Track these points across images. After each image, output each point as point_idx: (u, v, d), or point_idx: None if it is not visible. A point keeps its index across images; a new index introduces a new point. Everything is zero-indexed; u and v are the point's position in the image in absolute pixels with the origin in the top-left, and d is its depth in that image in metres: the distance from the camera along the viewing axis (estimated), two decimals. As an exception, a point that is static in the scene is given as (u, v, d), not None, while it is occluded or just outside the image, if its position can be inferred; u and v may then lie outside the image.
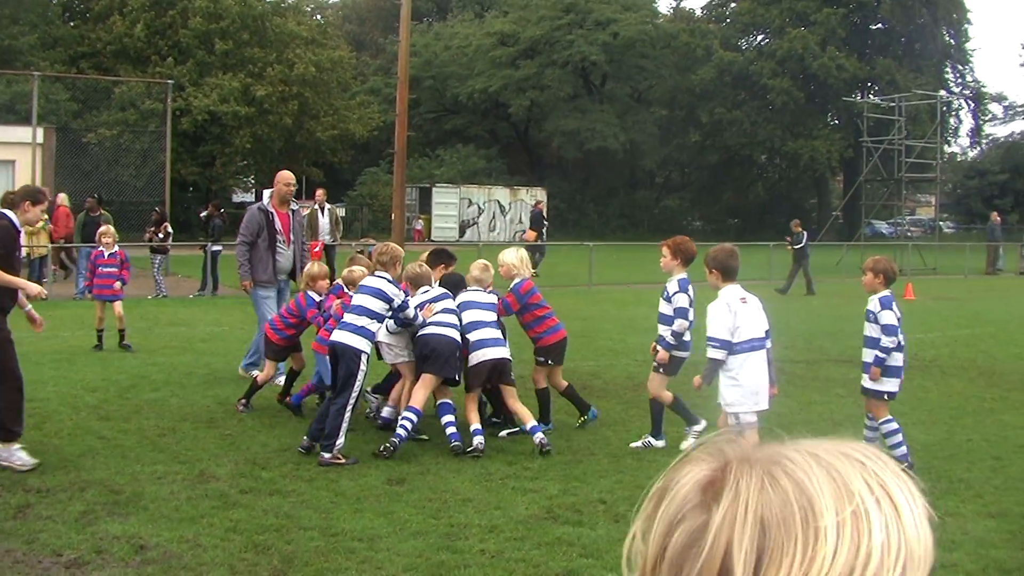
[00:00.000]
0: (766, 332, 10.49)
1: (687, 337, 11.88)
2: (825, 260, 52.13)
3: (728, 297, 10.32)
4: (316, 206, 31.63)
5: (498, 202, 71.72)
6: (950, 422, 13.78)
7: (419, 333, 11.80)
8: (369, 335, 11.40)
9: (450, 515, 9.09)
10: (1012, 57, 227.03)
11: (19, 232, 10.85)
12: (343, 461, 10.74)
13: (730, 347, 10.07)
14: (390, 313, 11.57)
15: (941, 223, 78.15)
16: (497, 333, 11.97)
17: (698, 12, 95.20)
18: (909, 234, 77.54)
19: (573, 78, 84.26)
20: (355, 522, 8.80)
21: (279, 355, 13.90)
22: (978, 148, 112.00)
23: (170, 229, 31.17)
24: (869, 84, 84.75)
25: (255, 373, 14.93)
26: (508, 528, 8.76)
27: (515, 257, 12.80)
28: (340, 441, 10.82)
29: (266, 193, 15.48)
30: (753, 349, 10.18)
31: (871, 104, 64.54)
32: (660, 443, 11.93)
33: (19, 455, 10.22)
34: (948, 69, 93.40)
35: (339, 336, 11.30)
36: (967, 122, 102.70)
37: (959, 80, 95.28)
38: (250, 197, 75.55)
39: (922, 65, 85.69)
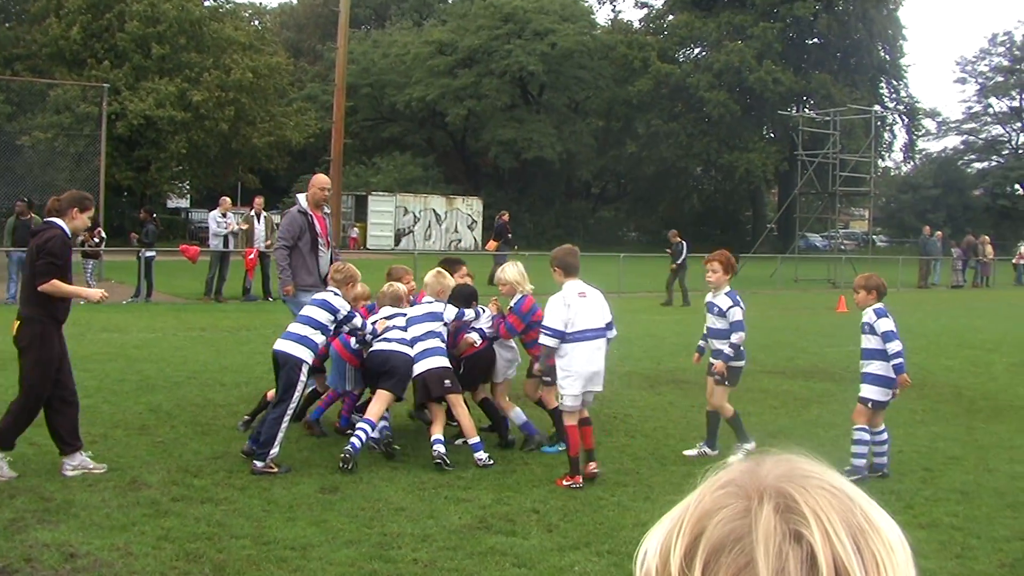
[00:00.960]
0: (607, 324, 11.10)
1: (742, 347, 12.38)
2: (759, 272, 52.50)
3: (567, 292, 10.96)
4: (252, 213, 31.53)
5: (434, 211, 71.66)
6: (881, 434, 13.86)
7: (375, 348, 11.81)
8: (311, 345, 11.36)
9: (383, 524, 9.04)
10: (946, 73, 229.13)
11: (70, 240, 10.65)
12: (275, 470, 10.67)
13: (563, 336, 10.70)
14: (334, 325, 11.62)
15: (874, 237, 78.76)
16: (430, 343, 11.64)
17: (636, 24, 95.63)
18: (842, 247, 78.14)
19: (511, 88, 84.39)
20: (287, 531, 8.74)
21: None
22: (911, 163, 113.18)
23: (104, 234, 30.91)
24: (804, 98, 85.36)
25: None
26: (441, 537, 8.72)
27: (516, 273, 12.42)
28: (274, 451, 10.76)
29: (300, 197, 15.17)
30: (585, 339, 10.79)
31: (807, 118, 65.04)
32: (714, 452, 12.22)
33: (85, 461, 10.34)
34: (883, 84, 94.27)
35: (282, 345, 11.35)
36: (901, 137, 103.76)
37: (893, 95, 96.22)
38: (184, 203, 75.14)
39: (857, 80, 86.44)
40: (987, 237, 57.50)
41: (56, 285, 10.08)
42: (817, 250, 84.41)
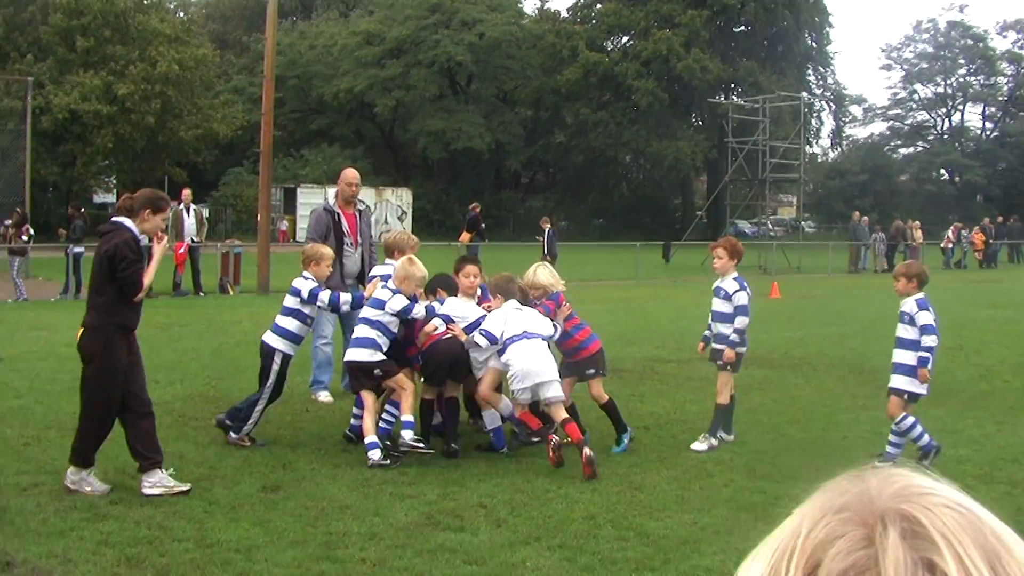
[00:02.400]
0: (553, 327, 11.50)
1: (746, 333, 12.41)
2: (690, 260, 52.67)
3: (507, 307, 11.37)
4: (181, 206, 31.16)
5: (363, 202, 71.21)
6: (824, 420, 13.83)
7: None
8: (282, 332, 11.59)
9: (328, 523, 8.84)
10: (871, 60, 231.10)
11: (140, 243, 9.96)
12: (246, 444, 11.37)
13: (496, 341, 11.07)
14: (301, 305, 11.65)
15: (803, 223, 79.22)
16: (365, 332, 11.28)
17: (564, 13, 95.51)
18: (772, 234, 78.55)
19: (439, 78, 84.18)
20: (230, 532, 8.52)
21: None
22: (838, 149, 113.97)
23: (32, 231, 30.44)
24: (733, 86, 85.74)
25: (322, 395, 14.55)
26: (388, 535, 8.55)
27: (548, 275, 12.12)
28: (248, 427, 11.43)
29: (330, 193, 14.85)
30: (519, 339, 11.01)
31: (735, 105, 65.25)
32: (730, 437, 12.40)
33: (165, 479, 9.73)
34: (810, 72, 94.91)
35: (265, 335, 11.78)
36: (828, 124, 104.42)
37: (820, 82, 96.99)
38: (111, 198, 74.31)
39: (785, 67, 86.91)
40: (917, 222, 57.98)
41: (146, 286, 9.85)
42: (746, 237, 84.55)
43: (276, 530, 8.61)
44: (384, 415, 11.38)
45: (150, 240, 10.51)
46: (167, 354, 18.60)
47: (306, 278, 11.71)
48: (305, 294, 11.54)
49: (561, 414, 10.98)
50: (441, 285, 12.20)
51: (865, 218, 57.65)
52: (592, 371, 11.95)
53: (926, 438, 11.31)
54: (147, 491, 9.50)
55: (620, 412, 12.04)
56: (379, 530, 8.68)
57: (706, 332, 12.81)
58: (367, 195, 68.92)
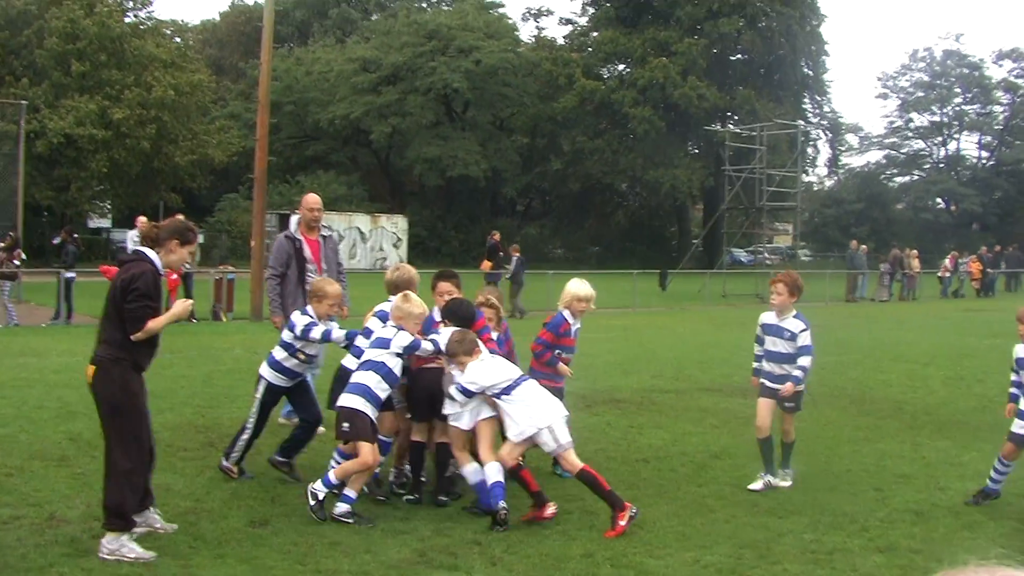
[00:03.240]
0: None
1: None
2: (687, 288, 52.55)
3: (485, 357, 10.51)
4: (174, 232, 30.88)
5: (359, 229, 71.11)
6: (827, 452, 13.57)
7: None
8: (272, 362, 11.40)
9: (318, 561, 8.55)
10: (868, 89, 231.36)
11: (162, 277, 9.27)
12: (233, 473, 11.23)
13: (472, 396, 10.22)
14: (293, 340, 11.32)
15: (799, 251, 79.09)
16: (361, 378, 10.24)
17: (560, 41, 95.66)
18: (768, 262, 78.33)
19: (435, 105, 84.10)
20: (216, 569, 8.24)
21: None
22: (835, 177, 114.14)
23: (24, 256, 30.16)
24: (729, 113, 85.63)
25: (295, 420, 14.18)
26: (380, 573, 8.26)
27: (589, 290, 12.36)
28: (235, 455, 11.29)
29: (292, 220, 14.45)
30: (523, 381, 10.46)
31: (732, 133, 65.11)
32: (788, 480, 11.84)
33: (152, 517, 9.17)
34: (806, 100, 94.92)
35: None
36: (824, 152, 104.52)
37: (817, 111, 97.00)
38: (106, 223, 74.12)
39: (781, 96, 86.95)
40: (915, 251, 57.86)
41: (149, 330, 8.85)
42: (742, 265, 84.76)
43: (263, 568, 8.33)
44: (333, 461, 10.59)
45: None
46: (157, 381, 18.22)
47: (303, 312, 11.40)
48: (298, 331, 11.20)
49: (576, 462, 10.11)
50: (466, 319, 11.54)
51: (864, 247, 57.55)
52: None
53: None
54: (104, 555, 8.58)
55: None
56: (370, 568, 8.39)
57: (756, 365, 12.20)
58: (362, 221, 69.07)
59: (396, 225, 73.58)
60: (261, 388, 11.37)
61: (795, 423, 12.09)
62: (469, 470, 10.24)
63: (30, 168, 49.60)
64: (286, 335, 11.42)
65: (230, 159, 69.06)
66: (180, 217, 9.97)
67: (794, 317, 11.67)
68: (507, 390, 10.13)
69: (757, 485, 11.52)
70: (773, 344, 11.77)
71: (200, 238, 33.57)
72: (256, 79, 65.47)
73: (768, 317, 11.89)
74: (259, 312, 30.23)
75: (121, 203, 67.84)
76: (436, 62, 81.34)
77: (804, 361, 11.61)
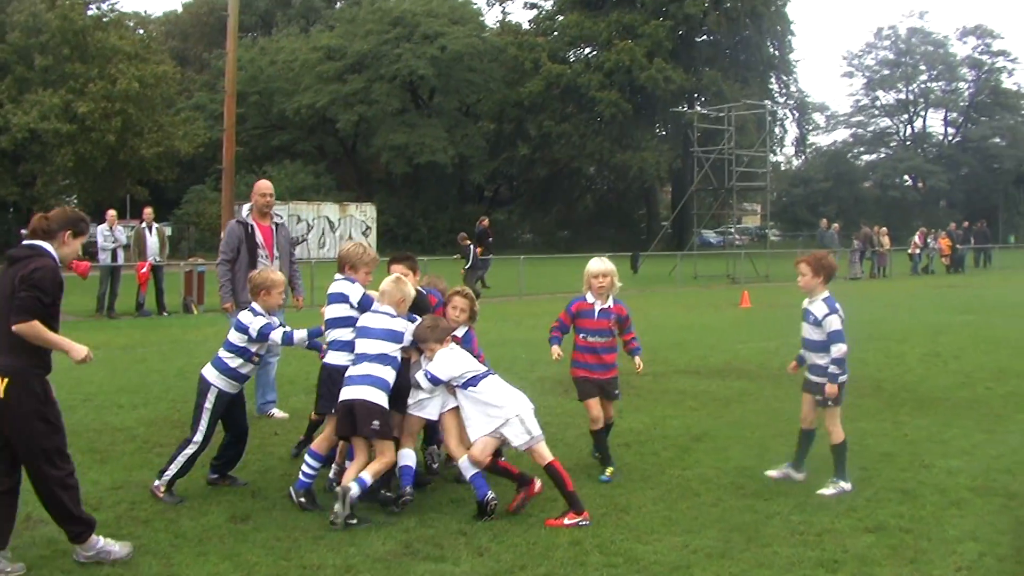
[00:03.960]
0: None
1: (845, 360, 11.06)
2: (658, 270, 52.47)
3: (453, 347, 10.16)
4: (144, 225, 30.76)
5: (327, 218, 70.91)
6: (808, 433, 13.45)
7: (330, 362, 10.19)
8: (224, 368, 10.30)
9: (301, 555, 8.41)
10: (833, 68, 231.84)
11: (61, 275, 8.35)
12: (160, 496, 10.04)
13: (440, 384, 9.93)
14: (248, 343, 10.33)
15: (768, 231, 79.20)
16: (377, 369, 9.75)
17: (526, 25, 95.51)
18: (737, 243, 78.42)
19: (401, 92, 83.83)
20: (199, 567, 8.08)
21: None
22: (802, 157, 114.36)
23: (-11, 253, 29.91)
24: (696, 95, 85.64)
25: (276, 413, 14.18)
26: (366, 567, 8.14)
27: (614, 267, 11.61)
28: (170, 474, 10.13)
29: (245, 207, 14.19)
30: (488, 376, 10.12)
31: (700, 115, 65.08)
32: (800, 476, 11.12)
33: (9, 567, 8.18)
34: (773, 80, 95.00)
35: (204, 368, 10.52)
36: (792, 131, 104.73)
37: (784, 91, 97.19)
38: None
39: (748, 76, 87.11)
40: (885, 228, 57.94)
41: (36, 328, 7.96)
42: (712, 246, 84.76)
43: (247, 564, 8.16)
44: (305, 467, 10.03)
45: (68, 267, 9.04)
46: (130, 376, 18.13)
47: (254, 312, 10.46)
48: (254, 332, 10.28)
49: (546, 454, 9.88)
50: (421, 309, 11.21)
51: (835, 225, 57.59)
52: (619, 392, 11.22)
53: None
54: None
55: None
56: (356, 562, 8.25)
57: (801, 352, 11.41)
58: (331, 211, 68.79)
59: (365, 213, 73.37)
60: (212, 397, 10.28)
61: (838, 420, 11.05)
62: (464, 464, 9.86)
63: (-6, 164, 49.31)
64: (238, 339, 10.36)
65: (196, 150, 68.74)
66: (69, 207, 8.99)
67: (822, 300, 10.92)
68: (473, 381, 9.85)
69: (774, 472, 11.17)
70: (803, 330, 11.16)
71: (168, 231, 33.35)
72: (221, 69, 65.22)
73: (806, 301, 11.18)
74: (230, 304, 30.01)
75: (88, 197, 67.44)
76: (401, 49, 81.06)
77: (835, 351, 10.79)
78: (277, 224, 14.48)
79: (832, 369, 10.82)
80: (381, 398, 9.62)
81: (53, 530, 8.96)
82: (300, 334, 10.48)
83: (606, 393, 11.48)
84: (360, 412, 9.52)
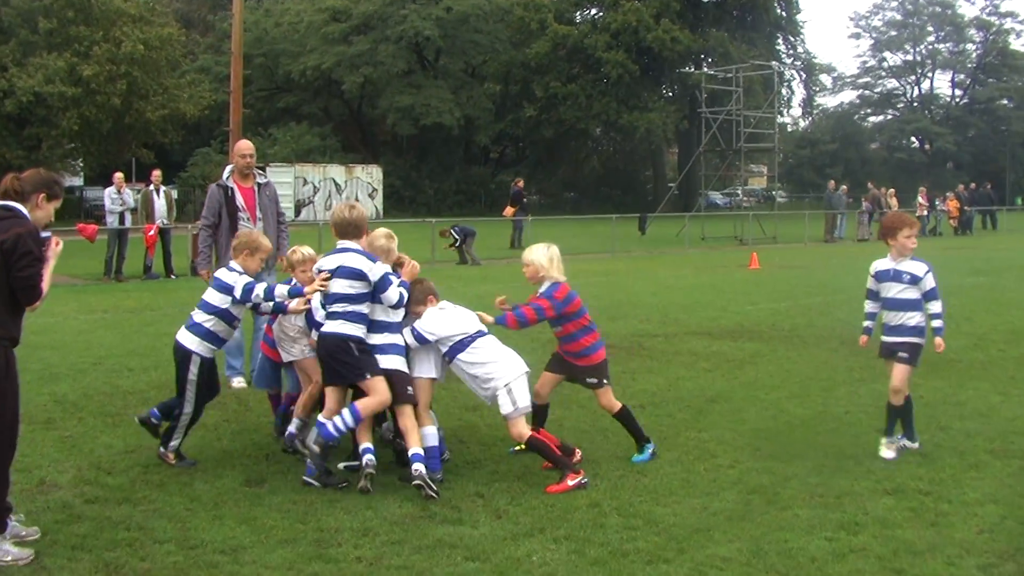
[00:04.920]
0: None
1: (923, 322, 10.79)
2: (666, 232, 52.47)
3: (441, 305, 10.01)
4: (151, 188, 30.66)
5: (334, 180, 70.76)
6: (823, 394, 13.37)
7: (326, 329, 9.58)
8: (202, 333, 9.91)
9: (318, 518, 8.36)
10: (840, 29, 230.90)
11: (40, 237, 7.79)
12: (171, 461, 9.85)
13: (425, 343, 9.77)
14: (231, 305, 9.93)
15: (774, 192, 79.05)
16: (393, 337, 9.66)
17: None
18: (745, 204, 78.28)
19: (407, 54, 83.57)
20: (215, 531, 8.03)
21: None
22: (809, 118, 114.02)
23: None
24: (703, 56, 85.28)
25: (235, 382, 13.65)
26: (383, 530, 8.08)
27: (543, 256, 10.46)
28: (174, 443, 9.93)
29: (227, 169, 13.78)
30: (480, 336, 9.91)
31: (707, 75, 64.83)
32: (915, 444, 10.75)
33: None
34: (780, 41, 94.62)
35: (178, 334, 10.12)
36: (799, 93, 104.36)
37: (791, 52, 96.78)
38: (79, 181, 73.54)
39: (754, 37, 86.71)
40: (893, 190, 57.79)
41: (44, 295, 7.69)
42: (718, 208, 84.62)
43: (263, 528, 8.11)
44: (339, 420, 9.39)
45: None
46: (141, 340, 18.08)
47: (234, 270, 10.06)
48: (238, 292, 9.85)
49: (523, 430, 9.68)
50: None
51: (843, 187, 57.40)
52: (595, 380, 10.41)
53: None
54: None
55: (637, 420, 10.56)
56: (373, 525, 8.19)
57: (866, 323, 11.21)
58: (337, 173, 68.63)
59: (371, 175, 73.23)
60: (195, 368, 9.88)
61: (908, 380, 10.76)
62: (429, 431, 9.67)
63: (0, 128, 49.09)
64: (219, 300, 9.93)
65: (201, 113, 68.44)
66: (43, 169, 8.22)
67: (912, 259, 10.76)
68: (463, 344, 9.70)
69: (890, 453, 10.49)
70: (888, 291, 10.78)
71: (175, 194, 33.25)
72: (226, 32, 64.84)
73: (882, 263, 10.93)
74: (238, 266, 29.96)
75: (93, 160, 67.31)
76: (407, 10, 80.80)
77: (936, 307, 10.70)
78: (260, 184, 14.01)
79: (937, 324, 10.70)
80: (401, 363, 9.62)
81: (67, 495, 8.93)
82: (281, 290, 10.04)
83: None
84: (397, 381, 9.45)
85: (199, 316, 9.98)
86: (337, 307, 9.42)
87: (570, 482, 9.25)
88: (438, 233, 37.99)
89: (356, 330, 9.43)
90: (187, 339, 9.95)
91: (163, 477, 9.43)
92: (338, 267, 9.42)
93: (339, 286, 9.41)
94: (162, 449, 9.97)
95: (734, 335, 18.71)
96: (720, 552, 7.63)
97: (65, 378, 14.33)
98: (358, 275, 9.38)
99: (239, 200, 13.54)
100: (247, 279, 9.98)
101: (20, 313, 7.68)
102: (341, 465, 9.90)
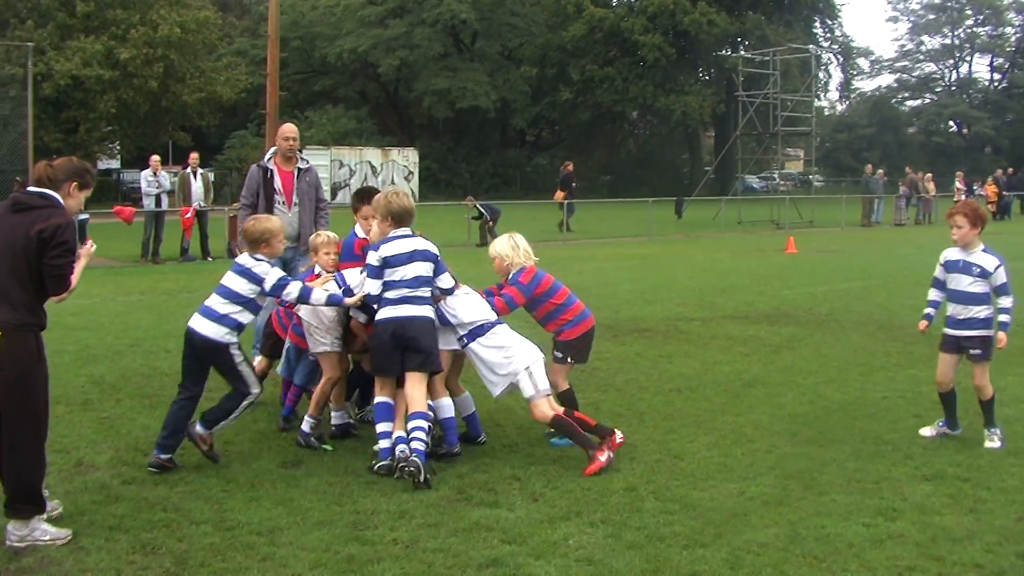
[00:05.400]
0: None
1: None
2: (702, 215, 52.32)
3: (461, 292, 10.03)
4: (188, 170, 30.79)
5: (369, 163, 70.82)
6: (861, 379, 13.31)
7: (382, 316, 9.43)
8: (233, 325, 9.34)
9: (355, 500, 8.35)
10: (878, 12, 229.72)
11: (75, 229, 7.86)
12: (204, 449, 9.33)
13: (446, 323, 9.82)
14: (258, 296, 9.49)
15: (811, 177, 78.77)
16: (421, 298, 9.49)
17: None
18: (782, 188, 77.97)
19: (443, 37, 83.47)
20: (252, 513, 8.03)
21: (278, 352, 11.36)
22: (846, 102, 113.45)
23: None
24: (739, 39, 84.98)
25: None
26: (420, 513, 8.07)
27: (506, 245, 10.47)
28: (224, 424, 9.44)
29: (270, 150, 13.67)
30: (496, 324, 9.94)
31: (744, 59, 64.60)
32: (956, 431, 10.58)
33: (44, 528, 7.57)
34: (817, 24, 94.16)
35: (198, 324, 9.42)
36: (836, 76, 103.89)
37: (828, 35, 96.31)
38: (116, 164, 73.79)
39: (791, 20, 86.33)
40: (930, 174, 57.50)
41: (73, 289, 7.68)
42: (754, 191, 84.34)
43: (300, 510, 8.11)
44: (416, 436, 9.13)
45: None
46: (177, 321, 18.04)
47: (261, 260, 9.49)
48: (268, 285, 9.37)
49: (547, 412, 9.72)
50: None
51: (880, 171, 57.08)
52: (559, 355, 10.46)
53: None
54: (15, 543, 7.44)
55: (578, 404, 10.57)
56: (409, 507, 8.18)
57: (928, 310, 10.95)
58: (373, 155, 68.65)
59: (407, 158, 73.27)
60: (236, 352, 9.41)
61: (988, 375, 10.51)
62: (445, 403, 9.81)
63: (38, 111, 49.17)
64: (248, 289, 9.39)
65: (238, 96, 68.49)
66: (74, 158, 8.09)
67: (983, 251, 10.41)
68: (483, 330, 9.78)
69: (928, 431, 10.60)
70: (957, 282, 10.47)
71: (211, 176, 33.32)
72: (262, 15, 65.04)
73: (952, 253, 10.61)
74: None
75: (130, 143, 67.50)
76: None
77: (1006, 302, 10.34)
78: (301, 169, 13.80)
79: (1004, 318, 10.34)
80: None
81: (104, 476, 8.96)
82: (319, 295, 9.57)
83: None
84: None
85: (224, 306, 9.39)
86: (411, 291, 9.40)
87: (600, 457, 9.25)
88: (465, 199, 38.18)
89: (433, 313, 9.54)
90: (214, 330, 9.31)
91: (200, 459, 9.42)
92: (413, 251, 9.46)
93: (417, 269, 9.42)
94: (203, 431, 9.35)
95: (771, 319, 18.65)
96: (757, 537, 7.59)
97: (102, 359, 14.38)
98: (432, 258, 9.52)
99: (277, 183, 13.43)
100: (279, 273, 9.56)
101: (45, 301, 7.62)
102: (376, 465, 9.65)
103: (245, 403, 9.43)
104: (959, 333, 10.44)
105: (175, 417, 9.25)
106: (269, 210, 13.04)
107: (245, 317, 9.48)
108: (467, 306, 9.85)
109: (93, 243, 8.23)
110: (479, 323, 9.78)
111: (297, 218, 13.23)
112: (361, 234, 10.60)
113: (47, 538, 7.39)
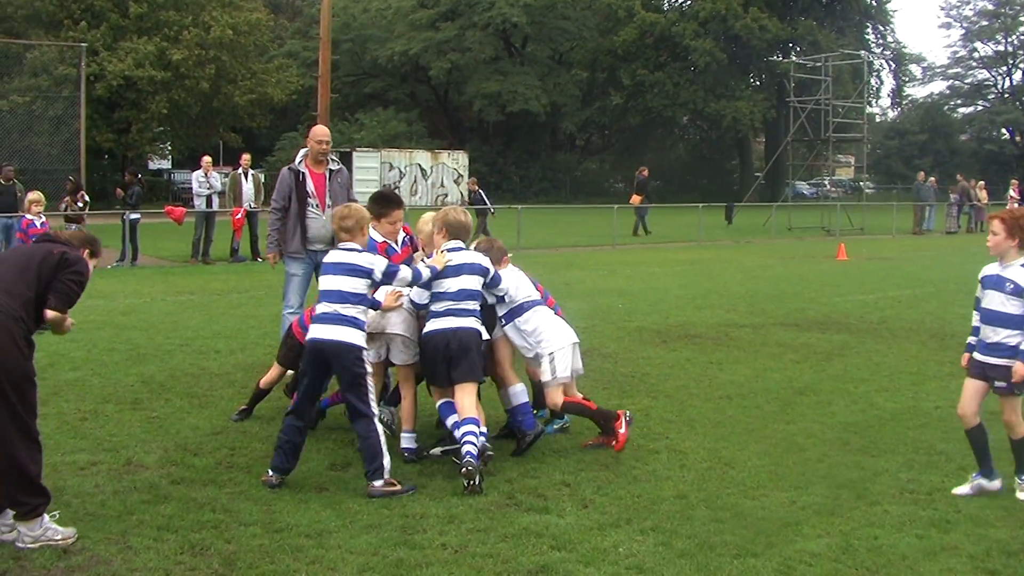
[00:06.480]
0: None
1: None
2: (752, 221, 52.08)
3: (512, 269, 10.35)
4: (240, 171, 30.92)
5: (419, 166, 70.76)
6: (913, 388, 13.19)
7: (429, 329, 9.50)
8: (361, 325, 8.91)
9: (404, 504, 8.32)
10: (931, 18, 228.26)
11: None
12: (398, 488, 8.62)
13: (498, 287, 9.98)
14: (368, 289, 9.04)
15: (862, 183, 78.34)
16: (468, 312, 9.47)
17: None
18: (832, 195, 77.55)
19: (494, 40, 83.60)
20: (300, 515, 8.02)
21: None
22: (898, 109, 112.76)
23: (87, 198, 29.97)
24: (791, 45, 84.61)
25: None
26: (469, 518, 8.03)
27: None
28: (387, 461, 8.70)
29: (300, 152, 13.64)
30: (536, 305, 10.21)
31: (796, 64, 64.33)
32: (994, 484, 9.00)
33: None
34: (869, 30, 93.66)
35: (325, 332, 8.84)
36: (888, 83, 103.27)
37: (880, 41, 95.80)
38: (167, 164, 74.22)
39: (844, 26, 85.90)
40: (982, 182, 57.09)
41: (65, 321, 7.62)
42: (805, 198, 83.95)
43: (348, 512, 8.08)
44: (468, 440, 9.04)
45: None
46: (227, 322, 18.17)
47: (358, 250, 9.08)
48: (379, 274, 8.97)
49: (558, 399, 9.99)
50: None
51: (932, 178, 56.71)
52: None
53: None
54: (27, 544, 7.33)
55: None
56: (458, 512, 8.15)
57: (970, 339, 9.25)
58: (423, 158, 68.68)
59: (457, 161, 73.20)
60: (367, 359, 9.00)
61: (1019, 411, 9.03)
62: (517, 390, 10.03)
63: (90, 111, 49.54)
64: (358, 284, 8.93)
65: (289, 98, 68.80)
66: (85, 229, 8.37)
67: (1021, 266, 8.80)
68: (523, 308, 9.97)
69: (963, 489, 8.96)
70: (990, 300, 8.94)
71: (261, 177, 33.39)
72: (314, 17, 65.29)
73: (989, 268, 9.06)
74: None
75: (181, 144, 67.89)
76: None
77: None
78: (332, 171, 13.72)
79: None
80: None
81: (153, 475, 8.96)
82: (425, 271, 9.43)
83: None
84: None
85: (347, 310, 8.84)
86: (456, 303, 9.49)
87: (620, 429, 9.51)
88: (468, 181, 38.60)
89: (479, 324, 9.66)
90: (350, 335, 8.81)
91: (249, 460, 9.44)
92: (462, 263, 9.56)
93: (464, 282, 9.51)
94: (377, 484, 8.60)
95: (822, 326, 18.51)
96: (809, 547, 7.51)
97: (152, 359, 14.41)
98: (481, 271, 9.66)
99: (309, 186, 13.32)
100: (384, 260, 9.22)
101: (41, 311, 7.53)
102: (437, 450, 9.82)
103: (379, 428, 8.85)
104: (985, 360, 8.99)
105: (294, 445, 8.88)
106: (302, 213, 13.05)
107: (365, 315, 9.06)
108: (518, 281, 10.10)
109: (74, 323, 7.96)
110: (522, 300, 9.98)
111: (330, 220, 13.16)
112: (379, 238, 10.44)
113: (59, 537, 7.37)
